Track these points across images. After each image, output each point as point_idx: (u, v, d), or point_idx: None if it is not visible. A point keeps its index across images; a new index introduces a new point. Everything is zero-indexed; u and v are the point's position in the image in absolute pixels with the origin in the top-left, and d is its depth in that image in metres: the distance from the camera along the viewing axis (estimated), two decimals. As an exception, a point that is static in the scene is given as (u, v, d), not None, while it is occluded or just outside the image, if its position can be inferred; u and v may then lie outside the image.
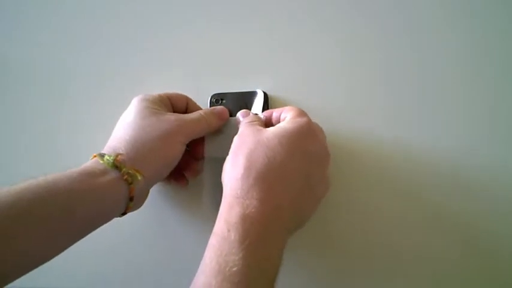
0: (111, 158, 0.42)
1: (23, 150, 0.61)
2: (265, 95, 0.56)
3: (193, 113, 0.51)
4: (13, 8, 0.67)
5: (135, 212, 0.48)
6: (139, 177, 0.43)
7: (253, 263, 0.35)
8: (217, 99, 0.56)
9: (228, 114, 0.54)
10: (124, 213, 0.45)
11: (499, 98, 0.53)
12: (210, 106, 0.56)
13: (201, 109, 0.54)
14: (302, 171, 0.42)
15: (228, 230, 0.37)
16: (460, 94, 0.54)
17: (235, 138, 0.45)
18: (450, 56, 0.55)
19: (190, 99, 0.55)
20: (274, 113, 0.50)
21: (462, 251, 0.50)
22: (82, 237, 0.42)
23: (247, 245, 0.36)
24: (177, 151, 0.48)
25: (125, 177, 0.42)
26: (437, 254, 0.50)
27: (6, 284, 0.37)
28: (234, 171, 0.41)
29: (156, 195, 0.55)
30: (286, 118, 0.47)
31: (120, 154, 0.43)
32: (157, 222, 0.54)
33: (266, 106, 0.55)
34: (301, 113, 0.46)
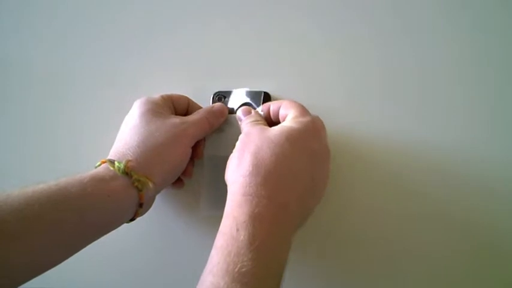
0: (122, 164, 0.42)
1: (22, 150, 0.60)
2: (267, 94, 0.56)
3: (195, 113, 0.51)
4: (13, 8, 0.66)
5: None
6: (150, 185, 0.43)
7: (262, 263, 0.35)
8: (220, 96, 0.56)
9: (227, 111, 0.54)
10: (133, 219, 0.45)
11: (500, 96, 0.54)
12: (212, 103, 0.56)
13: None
14: (308, 169, 0.42)
15: (237, 230, 0.37)
16: (461, 93, 0.55)
17: (241, 137, 0.45)
18: (450, 55, 0.56)
19: (191, 100, 0.55)
20: (272, 106, 0.50)
21: (463, 250, 0.51)
22: (91, 242, 0.42)
23: (257, 246, 0.36)
24: (185, 155, 0.48)
25: (135, 184, 0.43)
26: (438, 252, 0.51)
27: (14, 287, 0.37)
28: (241, 169, 0.41)
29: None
30: (288, 116, 0.47)
31: (129, 160, 0.43)
32: (157, 225, 0.54)
33: (266, 103, 0.55)
34: (303, 112, 0.47)
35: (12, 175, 0.59)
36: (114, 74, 0.62)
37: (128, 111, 0.50)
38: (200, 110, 0.52)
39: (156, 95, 0.51)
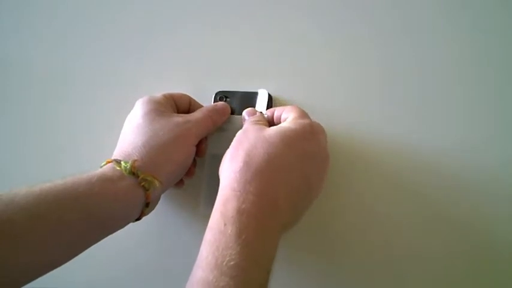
0: (128, 164, 0.42)
1: (22, 150, 0.60)
2: (269, 95, 0.56)
3: (198, 111, 0.51)
4: (13, 8, 0.66)
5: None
6: (157, 184, 0.43)
7: (249, 257, 0.35)
8: (222, 96, 0.56)
9: (229, 110, 0.54)
10: (138, 219, 0.45)
11: (500, 98, 0.55)
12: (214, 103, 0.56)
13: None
14: (303, 169, 0.42)
15: (225, 224, 0.37)
16: (461, 94, 0.56)
17: (238, 134, 0.45)
18: (450, 55, 0.57)
19: (192, 98, 0.55)
20: (276, 111, 0.50)
21: (462, 250, 0.51)
22: (95, 242, 0.42)
23: (244, 239, 0.36)
24: (189, 154, 0.48)
25: (142, 183, 0.42)
26: (438, 253, 0.51)
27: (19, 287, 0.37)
28: (232, 165, 0.41)
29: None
30: (288, 118, 0.47)
31: (135, 160, 0.43)
32: (156, 224, 0.54)
33: (269, 106, 0.56)
34: (303, 115, 0.47)
35: (12, 175, 0.58)
36: (114, 74, 0.61)
37: (128, 111, 0.50)
38: (203, 108, 0.52)
39: (158, 94, 0.51)
